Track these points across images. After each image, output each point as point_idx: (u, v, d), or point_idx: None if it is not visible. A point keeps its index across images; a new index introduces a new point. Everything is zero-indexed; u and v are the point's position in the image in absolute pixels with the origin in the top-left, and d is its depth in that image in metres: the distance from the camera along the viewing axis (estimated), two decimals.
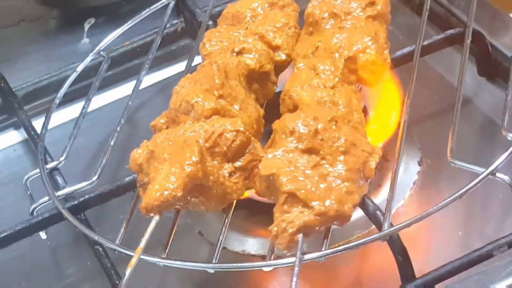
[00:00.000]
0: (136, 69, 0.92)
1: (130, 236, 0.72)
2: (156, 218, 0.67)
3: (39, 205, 0.80)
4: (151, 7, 0.98)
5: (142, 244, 0.66)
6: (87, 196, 0.79)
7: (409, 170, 0.83)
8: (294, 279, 0.62)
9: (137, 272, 0.65)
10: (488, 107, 0.88)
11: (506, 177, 0.69)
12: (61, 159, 0.83)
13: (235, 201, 0.71)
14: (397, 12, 0.99)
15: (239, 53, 0.76)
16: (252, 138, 0.70)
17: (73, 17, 1.10)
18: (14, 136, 0.97)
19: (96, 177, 0.79)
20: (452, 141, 0.73)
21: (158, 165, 0.68)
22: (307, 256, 0.65)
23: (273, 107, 0.77)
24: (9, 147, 0.97)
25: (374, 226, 0.70)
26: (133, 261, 0.65)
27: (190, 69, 0.86)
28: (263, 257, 0.67)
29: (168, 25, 0.99)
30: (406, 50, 0.84)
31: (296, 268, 0.63)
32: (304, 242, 0.64)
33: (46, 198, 0.79)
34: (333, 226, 0.68)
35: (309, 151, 0.68)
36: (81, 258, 0.81)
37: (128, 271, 0.64)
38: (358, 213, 0.71)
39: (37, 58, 1.05)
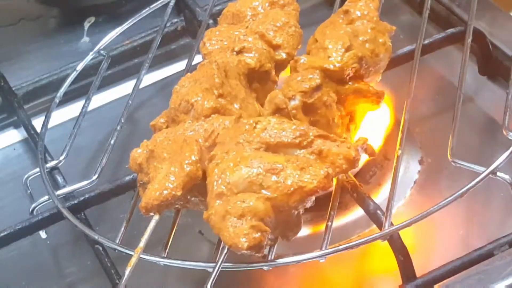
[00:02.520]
0: (136, 68, 0.91)
1: (130, 235, 0.72)
2: (156, 217, 0.67)
3: (39, 204, 0.80)
4: (151, 6, 0.98)
5: (142, 243, 0.65)
6: (87, 196, 0.79)
7: (409, 169, 0.83)
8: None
9: (137, 272, 0.65)
10: (489, 106, 0.87)
11: (507, 177, 0.69)
12: (61, 158, 0.82)
13: None
14: (397, 11, 0.99)
15: (239, 52, 0.76)
16: None
17: (73, 16, 1.10)
18: (14, 135, 0.97)
19: (96, 176, 0.79)
20: (453, 140, 0.73)
21: (157, 164, 0.68)
22: (308, 256, 0.65)
23: None
24: (9, 146, 0.97)
25: (374, 226, 0.70)
26: (133, 260, 0.64)
27: (190, 68, 0.86)
28: (263, 256, 0.66)
29: (168, 24, 0.99)
30: (406, 49, 0.84)
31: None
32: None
33: (46, 197, 0.79)
34: (333, 225, 0.68)
35: None
36: (81, 258, 0.81)
37: (127, 271, 0.64)
38: (359, 212, 0.71)
39: (37, 57, 1.05)
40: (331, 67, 0.73)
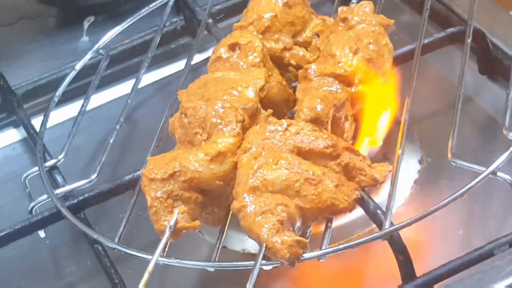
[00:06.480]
0: (135, 68, 0.91)
1: (130, 235, 0.72)
2: (168, 232, 0.67)
3: (37, 203, 0.79)
4: (151, 5, 0.98)
5: (151, 266, 0.65)
6: (86, 195, 0.79)
7: (409, 169, 0.83)
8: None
9: (137, 271, 0.65)
10: (489, 105, 0.87)
11: (507, 176, 0.69)
12: (60, 157, 0.82)
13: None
14: (398, 10, 0.99)
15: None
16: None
17: (73, 15, 1.10)
18: (14, 135, 0.97)
19: (95, 175, 0.79)
20: (453, 140, 0.73)
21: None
22: (307, 255, 0.65)
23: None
24: (9, 146, 0.96)
25: (374, 225, 0.70)
26: (145, 278, 0.64)
27: (189, 68, 0.86)
28: (263, 256, 0.66)
29: (167, 23, 0.99)
30: (407, 48, 0.84)
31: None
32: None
33: (45, 196, 0.79)
34: (333, 225, 0.68)
35: None
36: (80, 257, 0.81)
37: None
38: (359, 212, 0.71)
39: (36, 56, 1.05)
40: (343, 71, 0.73)
